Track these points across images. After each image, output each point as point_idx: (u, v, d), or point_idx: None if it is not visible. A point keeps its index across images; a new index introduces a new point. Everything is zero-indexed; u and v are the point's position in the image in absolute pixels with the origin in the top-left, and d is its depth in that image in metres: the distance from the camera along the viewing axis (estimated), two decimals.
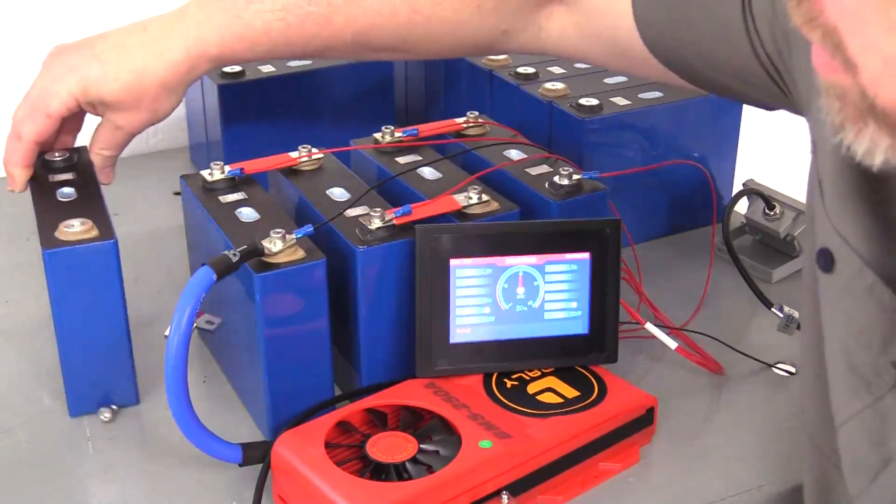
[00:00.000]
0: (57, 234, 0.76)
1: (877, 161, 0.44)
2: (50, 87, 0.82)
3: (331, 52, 0.85)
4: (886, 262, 0.55)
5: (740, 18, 0.69)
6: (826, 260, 0.58)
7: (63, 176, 0.85)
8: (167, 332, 0.69)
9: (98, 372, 0.79)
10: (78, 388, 0.79)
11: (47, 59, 0.83)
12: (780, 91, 0.70)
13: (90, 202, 0.81)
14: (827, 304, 0.59)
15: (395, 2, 0.80)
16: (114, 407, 0.80)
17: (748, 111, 1.07)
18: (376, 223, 0.76)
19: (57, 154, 0.87)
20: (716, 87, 0.78)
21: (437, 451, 0.70)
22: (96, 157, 0.86)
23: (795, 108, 0.69)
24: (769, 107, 0.75)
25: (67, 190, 0.83)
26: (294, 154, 0.89)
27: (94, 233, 0.76)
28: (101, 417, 0.79)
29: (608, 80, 1.07)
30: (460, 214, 0.80)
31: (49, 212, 0.79)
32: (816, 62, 0.46)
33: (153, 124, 0.85)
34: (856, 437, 0.57)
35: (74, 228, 0.76)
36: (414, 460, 0.69)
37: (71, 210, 0.79)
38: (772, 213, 1.01)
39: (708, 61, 0.74)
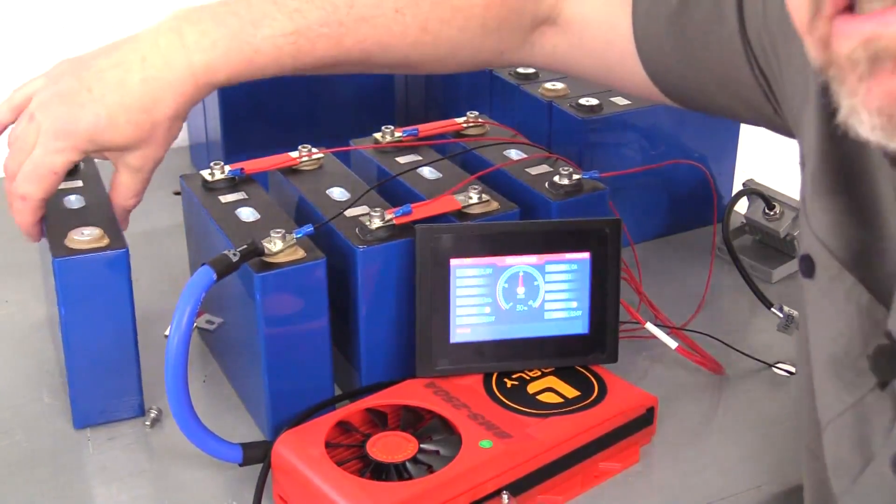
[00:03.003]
0: (67, 242, 0.75)
1: None
2: (52, 146, 0.75)
3: (334, 70, 0.83)
4: (863, 264, 0.56)
5: (737, 33, 0.69)
6: (807, 266, 0.59)
7: (69, 184, 0.84)
8: (167, 332, 0.69)
9: (104, 384, 0.78)
10: (83, 399, 0.78)
11: (37, 113, 0.76)
12: (773, 109, 0.70)
13: (99, 210, 0.81)
14: (810, 308, 0.60)
15: (405, 21, 0.78)
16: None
17: None
18: (376, 223, 0.76)
19: None
20: (709, 108, 0.79)
21: (437, 451, 0.70)
22: (122, 211, 0.81)
23: (786, 128, 0.70)
24: (759, 125, 0.76)
25: (74, 198, 0.82)
26: (294, 154, 0.89)
27: (105, 241, 0.75)
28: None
29: None
30: (460, 214, 0.80)
31: (57, 220, 0.78)
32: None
33: (166, 151, 0.80)
34: (839, 438, 0.58)
35: (84, 237, 0.75)
36: (414, 460, 0.69)
37: (79, 218, 0.79)
38: (772, 213, 1.01)
39: (706, 80, 0.75)
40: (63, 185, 0.83)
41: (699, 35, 0.73)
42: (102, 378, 0.78)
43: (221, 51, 0.75)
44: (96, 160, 0.87)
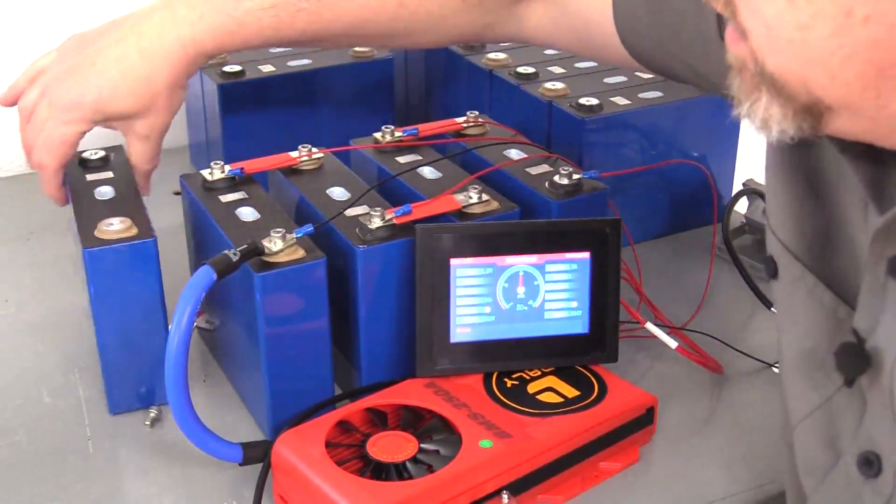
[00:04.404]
0: (96, 232, 0.76)
1: (773, 133, 0.47)
2: (62, 117, 0.82)
3: (319, 43, 0.87)
4: (824, 265, 0.56)
5: (715, 27, 0.69)
6: (771, 267, 0.60)
7: (100, 175, 0.86)
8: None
9: (138, 369, 0.79)
10: (118, 386, 0.79)
11: (48, 89, 0.83)
12: None
13: (128, 200, 0.82)
14: (778, 310, 0.61)
15: None
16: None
17: None
18: (376, 223, 0.76)
19: (93, 153, 0.89)
20: (690, 82, 0.80)
21: (437, 451, 0.70)
22: (141, 176, 0.88)
23: None
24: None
25: (105, 189, 0.84)
26: (294, 154, 0.89)
27: (134, 231, 0.77)
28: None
29: (608, 80, 1.07)
30: (460, 214, 0.80)
31: (87, 211, 0.80)
32: (726, 36, 0.48)
33: (171, 119, 0.86)
34: (808, 437, 0.59)
35: (114, 227, 0.76)
36: (414, 460, 0.69)
37: (109, 209, 0.80)
38: None
39: (686, 64, 0.75)
40: (94, 177, 0.86)
41: (676, 19, 0.74)
42: (135, 365, 0.79)
43: (207, 24, 0.81)
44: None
